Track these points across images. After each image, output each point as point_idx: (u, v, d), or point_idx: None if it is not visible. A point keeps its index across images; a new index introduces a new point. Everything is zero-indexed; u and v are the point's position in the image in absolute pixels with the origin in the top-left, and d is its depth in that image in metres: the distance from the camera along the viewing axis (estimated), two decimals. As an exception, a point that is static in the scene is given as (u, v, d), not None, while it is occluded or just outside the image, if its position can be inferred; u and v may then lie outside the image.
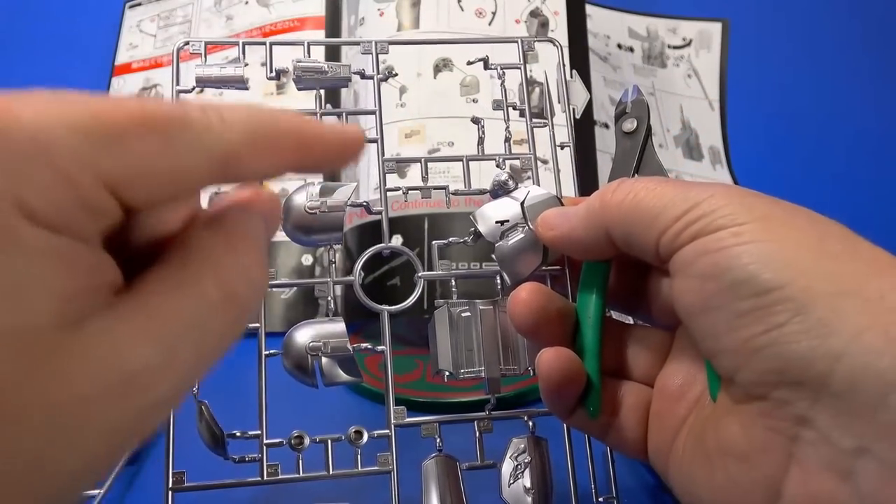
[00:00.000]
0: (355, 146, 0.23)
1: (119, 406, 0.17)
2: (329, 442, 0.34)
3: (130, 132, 0.17)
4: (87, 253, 0.17)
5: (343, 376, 0.33)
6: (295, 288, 0.51)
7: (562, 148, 0.39)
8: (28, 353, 0.16)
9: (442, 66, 0.52)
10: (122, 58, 0.65)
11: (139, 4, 0.68)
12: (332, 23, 0.61)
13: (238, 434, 0.33)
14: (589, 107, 0.42)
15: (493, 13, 0.54)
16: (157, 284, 0.19)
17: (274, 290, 0.50)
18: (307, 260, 0.53)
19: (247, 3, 0.64)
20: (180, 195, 0.20)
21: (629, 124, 0.35)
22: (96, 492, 0.37)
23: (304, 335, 0.33)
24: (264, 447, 0.33)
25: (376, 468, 0.33)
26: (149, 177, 0.18)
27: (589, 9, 0.59)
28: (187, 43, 0.37)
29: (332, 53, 0.57)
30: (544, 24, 0.55)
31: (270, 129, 0.20)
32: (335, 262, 0.38)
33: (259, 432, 0.33)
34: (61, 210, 0.16)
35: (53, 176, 0.16)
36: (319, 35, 0.61)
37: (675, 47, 0.67)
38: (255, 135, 0.20)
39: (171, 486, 0.32)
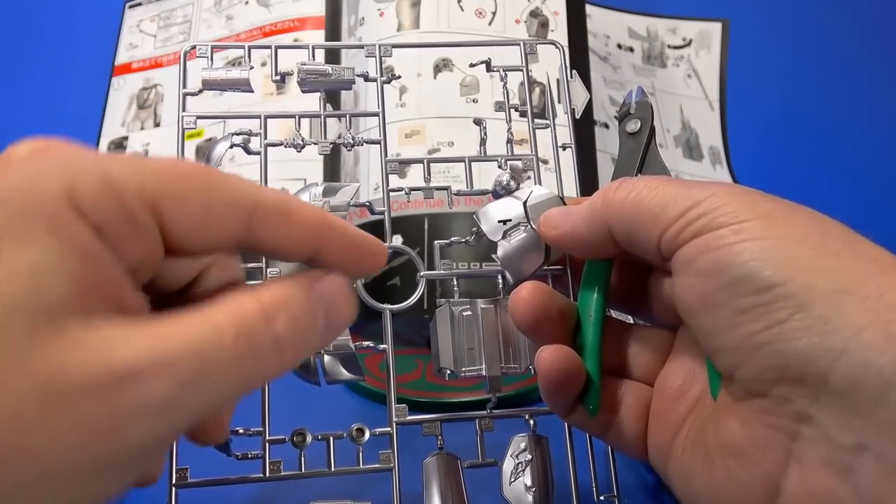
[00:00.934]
0: (381, 253, 0.25)
1: (103, 402, 0.17)
2: (331, 439, 0.34)
3: (178, 172, 0.20)
4: (118, 267, 0.19)
5: (345, 374, 0.33)
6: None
7: (564, 149, 0.39)
8: (35, 328, 0.17)
9: (442, 66, 0.52)
10: (122, 58, 0.65)
11: (139, 4, 0.68)
12: (332, 23, 0.61)
13: (241, 431, 0.33)
14: (589, 107, 0.42)
15: (493, 13, 0.54)
16: (173, 312, 0.19)
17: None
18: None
19: (247, 3, 0.64)
20: (212, 238, 0.21)
21: (633, 125, 0.35)
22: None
23: (307, 333, 0.33)
24: (267, 444, 0.33)
25: (378, 465, 0.33)
26: (187, 204, 0.20)
27: (589, 9, 0.59)
28: (194, 47, 0.38)
29: (331, 53, 0.57)
30: (544, 24, 0.55)
31: (296, 204, 0.23)
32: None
33: (262, 429, 0.33)
34: (107, 215, 0.19)
35: (105, 186, 0.19)
36: (319, 35, 0.60)
37: (675, 47, 0.67)
38: (282, 202, 0.22)
39: (174, 482, 0.32)
